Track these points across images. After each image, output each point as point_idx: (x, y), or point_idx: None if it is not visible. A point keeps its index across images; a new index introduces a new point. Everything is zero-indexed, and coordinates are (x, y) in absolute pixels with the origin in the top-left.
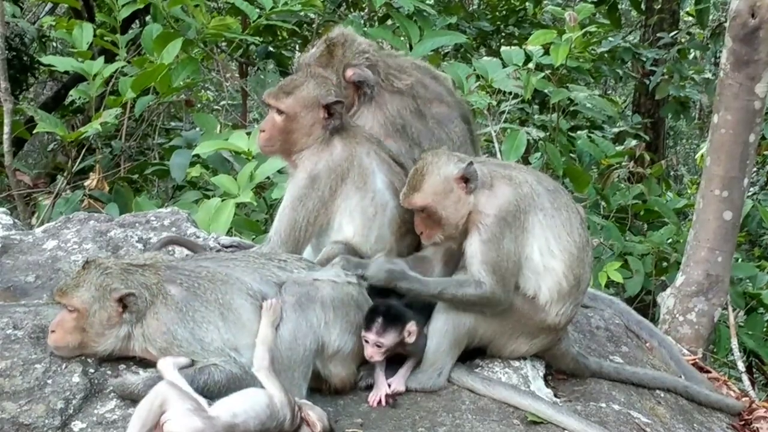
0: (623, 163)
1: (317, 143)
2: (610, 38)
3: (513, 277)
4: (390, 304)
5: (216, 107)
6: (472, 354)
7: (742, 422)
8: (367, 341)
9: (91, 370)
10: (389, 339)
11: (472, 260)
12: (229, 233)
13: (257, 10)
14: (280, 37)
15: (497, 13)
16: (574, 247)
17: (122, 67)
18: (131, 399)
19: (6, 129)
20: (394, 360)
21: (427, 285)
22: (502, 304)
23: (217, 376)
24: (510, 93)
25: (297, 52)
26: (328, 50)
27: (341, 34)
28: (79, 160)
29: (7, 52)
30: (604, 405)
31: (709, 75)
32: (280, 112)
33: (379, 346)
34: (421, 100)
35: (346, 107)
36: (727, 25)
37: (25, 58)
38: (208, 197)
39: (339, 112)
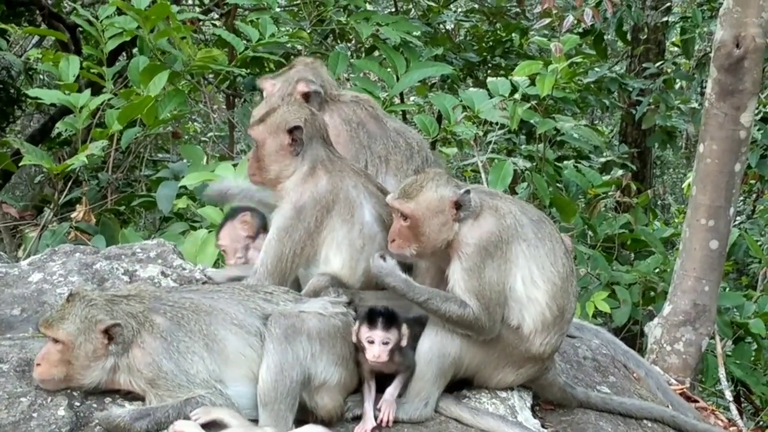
0: (610, 193)
1: (301, 174)
2: (596, 68)
3: (499, 307)
4: (384, 305)
5: (203, 139)
6: (459, 385)
7: None
8: (372, 341)
9: (77, 404)
10: (394, 335)
11: (455, 287)
12: (215, 265)
13: (244, 42)
14: (267, 69)
15: (483, 44)
16: (558, 277)
17: (109, 100)
18: None
19: None
20: (382, 389)
21: (413, 289)
22: (486, 332)
23: None
24: (496, 123)
25: None
26: (290, 65)
27: (311, 59)
28: (65, 192)
29: None
30: None
31: (695, 104)
32: (253, 138)
33: (386, 343)
34: (379, 111)
35: None
36: (712, 55)
37: (11, 91)
38: (195, 229)
39: (300, 138)
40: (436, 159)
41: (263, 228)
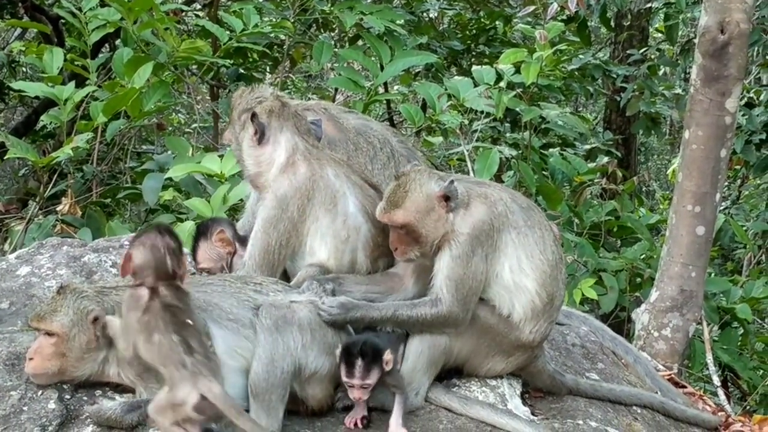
0: (596, 180)
1: (279, 166)
2: (580, 56)
3: (475, 296)
4: (363, 340)
5: (187, 130)
6: (449, 373)
7: None
8: (352, 386)
9: (67, 396)
10: (374, 377)
11: (437, 274)
12: None
13: (228, 32)
14: (250, 59)
15: (467, 33)
16: (547, 265)
17: (93, 92)
18: (108, 425)
19: None
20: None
21: (380, 309)
22: (459, 324)
23: None
24: (482, 112)
25: (268, 73)
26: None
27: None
28: (51, 185)
29: None
30: (581, 422)
31: (679, 91)
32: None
33: (365, 388)
34: (334, 111)
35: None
36: (696, 41)
37: None
38: (182, 220)
39: (258, 121)
40: (405, 145)
41: (238, 236)
